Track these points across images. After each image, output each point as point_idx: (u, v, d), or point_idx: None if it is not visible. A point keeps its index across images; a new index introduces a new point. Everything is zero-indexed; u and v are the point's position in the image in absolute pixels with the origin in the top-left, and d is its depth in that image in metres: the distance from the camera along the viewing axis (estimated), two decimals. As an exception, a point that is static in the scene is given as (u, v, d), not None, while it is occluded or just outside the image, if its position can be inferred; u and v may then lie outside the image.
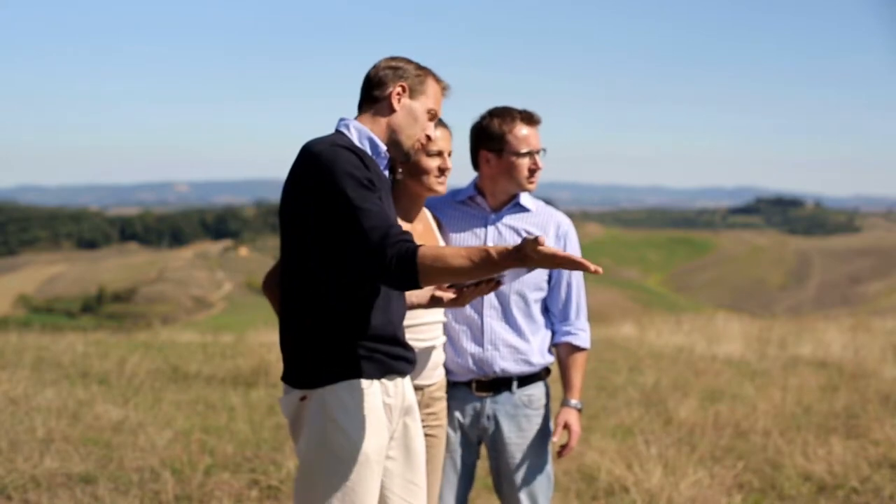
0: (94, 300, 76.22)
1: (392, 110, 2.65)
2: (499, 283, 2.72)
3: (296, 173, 2.51)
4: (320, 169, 2.44)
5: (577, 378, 3.29)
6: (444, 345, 3.15)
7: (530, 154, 3.16)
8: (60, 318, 56.82)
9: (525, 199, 3.27)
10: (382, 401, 2.58)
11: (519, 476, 3.23)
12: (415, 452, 2.71)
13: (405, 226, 3.03)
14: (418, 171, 3.04)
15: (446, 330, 3.17)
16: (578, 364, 3.30)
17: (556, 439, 3.25)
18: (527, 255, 2.22)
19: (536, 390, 3.26)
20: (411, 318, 2.89)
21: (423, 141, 2.72)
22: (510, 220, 3.25)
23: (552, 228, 3.26)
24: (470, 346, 3.17)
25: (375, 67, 2.70)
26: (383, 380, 2.58)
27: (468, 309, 3.16)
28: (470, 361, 3.17)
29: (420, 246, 2.32)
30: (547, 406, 3.30)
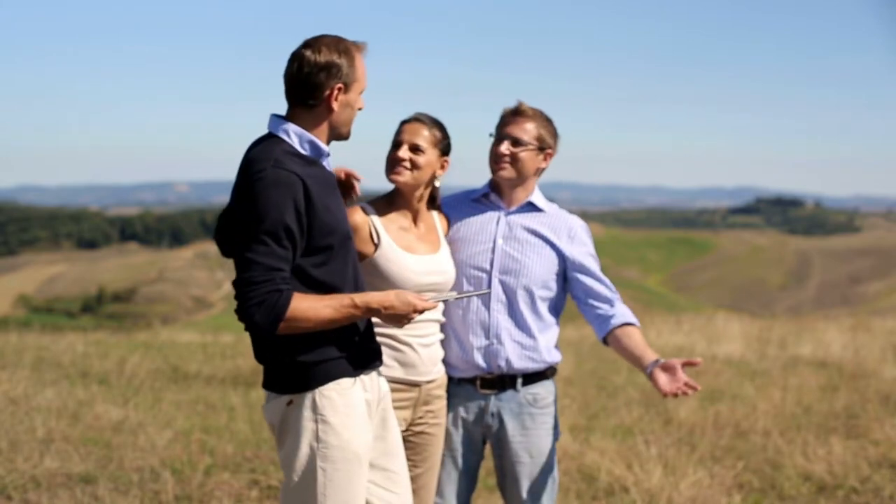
0: (94, 300, 76.19)
1: (331, 111, 2.58)
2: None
3: (239, 186, 2.51)
4: (256, 188, 2.43)
5: (640, 345, 3.18)
6: (444, 342, 3.15)
7: (500, 139, 3.17)
8: (60, 318, 56.81)
9: (539, 200, 3.27)
10: (364, 398, 2.60)
11: (522, 475, 3.22)
12: (391, 442, 2.72)
13: (402, 224, 3.03)
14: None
15: (453, 326, 3.16)
16: (634, 335, 3.20)
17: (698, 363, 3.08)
18: (378, 311, 2.51)
19: (542, 389, 3.24)
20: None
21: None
22: (522, 218, 3.24)
23: (564, 231, 3.25)
24: (476, 341, 3.16)
25: (302, 66, 2.52)
26: (362, 376, 2.61)
27: (477, 303, 3.15)
28: (475, 356, 3.15)
29: (292, 298, 2.39)
30: (553, 405, 3.28)
